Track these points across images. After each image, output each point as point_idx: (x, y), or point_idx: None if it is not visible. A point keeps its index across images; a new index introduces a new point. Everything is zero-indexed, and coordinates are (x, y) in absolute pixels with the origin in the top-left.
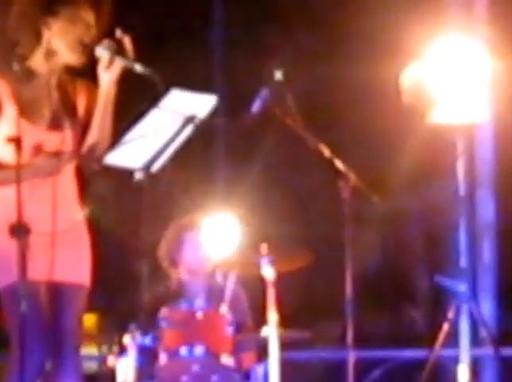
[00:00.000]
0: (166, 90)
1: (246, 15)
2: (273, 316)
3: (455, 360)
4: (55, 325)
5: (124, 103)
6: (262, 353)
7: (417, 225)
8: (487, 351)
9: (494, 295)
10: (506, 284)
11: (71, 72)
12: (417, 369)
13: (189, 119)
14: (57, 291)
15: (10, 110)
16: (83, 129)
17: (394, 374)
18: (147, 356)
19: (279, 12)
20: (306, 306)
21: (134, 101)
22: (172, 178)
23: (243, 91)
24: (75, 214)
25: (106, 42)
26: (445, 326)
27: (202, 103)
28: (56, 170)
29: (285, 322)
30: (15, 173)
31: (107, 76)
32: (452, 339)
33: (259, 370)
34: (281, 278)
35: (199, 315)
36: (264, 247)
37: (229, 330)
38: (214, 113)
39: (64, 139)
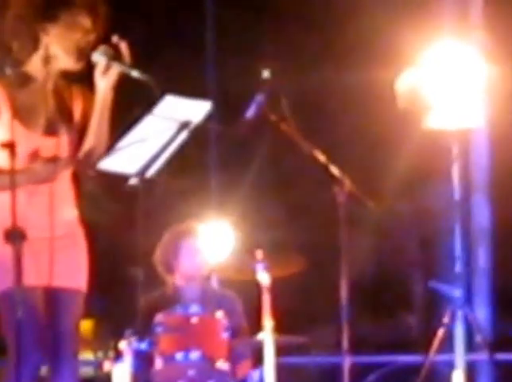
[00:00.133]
0: (162, 95)
1: (239, 20)
2: (268, 321)
3: (451, 366)
4: (52, 330)
5: (120, 108)
6: (258, 359)
7: (413, 230)
8: (482, 356)
9: (489, 300)
10: (501, 289)
11: (68, 77)
12: (413, 374)
13: (184, 125)
14: (54, 297)
15: (6, 115)
16: (80, 134)
17: (389, 379)
18: (143, 362)
19: (274, 17)
20: (301, 312)
21: (130, 106)
22: (167, 185)
23: (237, 96)
24: (73, 220)
25: (102, 48)
26: (440, 331)
27: (196, 109)
28: (53, 176)
29: (280, 328)
30: (9, 179)
31: (104, 82)
32: (447, 344)
33: (255, 375)
34: (276, 284)
35: (195, 320)
36: (259, 253)
37: (225, 335)
38: (208, 119)
39: (59, 145)
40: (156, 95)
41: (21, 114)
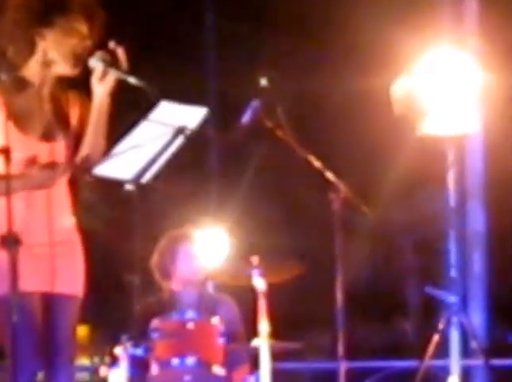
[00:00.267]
0: (160, 101)
1: (236, 28)
2: (264, 327)
3: (446, 371)
4: (49, 336)
5: (116, 114)
6: (254, 364)
7: (408, 236)
8: (477, 362)
9: (485, 306)
10: (496, 295)
11: (64, 83)
12: (408, 380)
13: (179, 131)
14: (52, 302)
15: (0, 120)
16: (76, 140)
17: None
18: (139, 367)
19: (270, 24)
20: (297, 317)
21: (126, 112)
22: (163, 191)
23: (236, 103)
24: (70, 225)
25: (99, 53)
26: (436, 337)
27: (192, 115)
28: (50, 182)
29: (276, 333)
30: (5, 184)
31: (101, 88)
32: (443, 350)
33: (251, 381)
34: (272, 290)
35: (191, 326)
36: (255, 259)
37: (220, 341)
38: (205, 124)
39: (56, 150)
40: (153, 101)
41: (18, 119)
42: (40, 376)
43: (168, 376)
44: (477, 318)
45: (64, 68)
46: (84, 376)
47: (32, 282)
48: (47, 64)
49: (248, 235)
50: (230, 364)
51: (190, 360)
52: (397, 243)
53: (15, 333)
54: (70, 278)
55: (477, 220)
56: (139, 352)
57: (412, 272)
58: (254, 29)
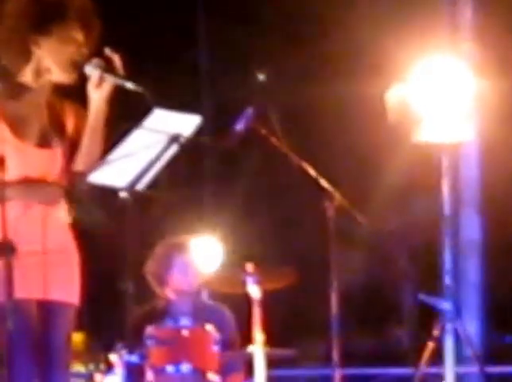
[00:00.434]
0: (157, 106)
1: (229, 35)
2: (258, 334)
3: (441, 378)
4: (44, 343)
5: (112, 120)
6: (249, 371)
7: (402, 243)
8: (472, 369)
9: (479, 313)
10: (491, 302)
11: (60, 90)
12: None
13: (173, 139)
14: (48, 310)
15: None
16: (72, 148)
17: None
18: (134, 374)
19: (264, 32)
20: (292, 324)
21: (121, 119)
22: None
23: (230, 110)
24: (66, 233)
25: (95, 60)
26: (430, 344)
27: (186, 123)
28: (47, 202)
29: (270, 340)
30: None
31: (97, 95)
32: (437, 357)
33: None
34: (266, 297)
35: (186, 333)
36: (249, 266)
37: (215, 348)
38: (199, 132)
39: (51, 157)
40: (151, 106)
41: (14, 125)
42: None
43: None
44: (471, 325)
45: (59, 75)
46: None
47: (28, 290)
48: (42, 71)
49: (243, 242)
50: (224, 371)
51: (185, 368)
52: (391, 251)
53: (11, 341)
54: (64, 286)
55: (471, 228)
56: (134, 359)
57: (406, 279)
58: (244, 36)
